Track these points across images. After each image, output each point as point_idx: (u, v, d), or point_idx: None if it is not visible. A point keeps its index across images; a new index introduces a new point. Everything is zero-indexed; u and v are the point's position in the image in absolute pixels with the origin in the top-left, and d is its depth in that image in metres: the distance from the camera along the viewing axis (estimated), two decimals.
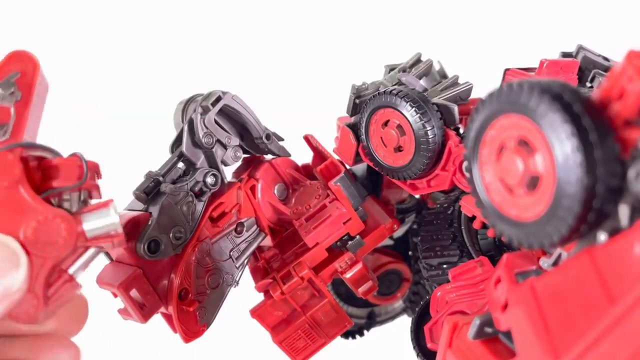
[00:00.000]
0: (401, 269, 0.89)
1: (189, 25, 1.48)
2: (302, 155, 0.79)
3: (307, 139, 0.76)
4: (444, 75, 0.88)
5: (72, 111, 1.32)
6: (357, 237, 0.70)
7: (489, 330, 0.46)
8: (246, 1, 1.49)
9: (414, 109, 0.60)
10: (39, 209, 0.41)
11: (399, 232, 0.88)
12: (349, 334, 0.92)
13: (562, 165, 0.34)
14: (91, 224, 0.44)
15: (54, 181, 0.44)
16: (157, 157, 0.68)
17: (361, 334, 0.93)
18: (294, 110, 1.23)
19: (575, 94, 0.34)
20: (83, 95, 1.39)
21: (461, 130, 0.90)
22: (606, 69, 0.77)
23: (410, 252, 0.87)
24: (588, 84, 0.74)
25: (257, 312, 0.70)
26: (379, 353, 0.88)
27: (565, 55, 0.81)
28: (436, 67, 0.89)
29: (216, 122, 0.67)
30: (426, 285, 0.72)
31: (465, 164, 0.42)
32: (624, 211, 0.35)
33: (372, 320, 0.95)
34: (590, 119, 0.33)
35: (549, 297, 0.38)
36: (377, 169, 0.68)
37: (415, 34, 1.32)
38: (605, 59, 0.79)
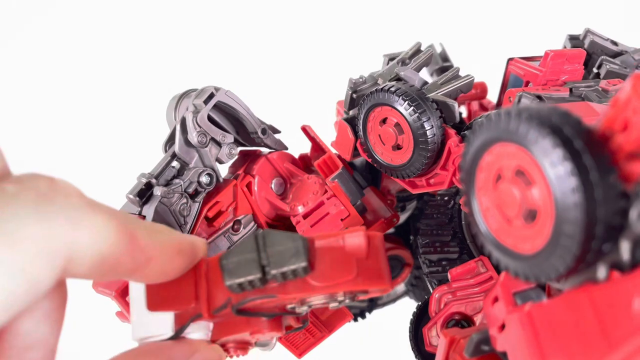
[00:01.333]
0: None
1: (183, 16, 1.44)
2: (301, 146, 0.78)
3: (305, 130, 0.75)
4: (445, 59, 0.86)
5: (64, 110, 1.31)
6: None
7: (485, 348, 0.45)
8: None
9: (412, 107, 0.58)
10: None
11: (401, 218, 0.87)
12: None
13: (561, 202, 0.32)
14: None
15: None
16: (151, 154, 0.67)
17: (363, 317, 0.93)
18: (292, 100, 1.20)
19: (576, 127, 0.32)
20: (76, 93, 1.37)
21: (464, 113, 0.88)
22: (614, 54, 0.75)
23: (411, 237, 0.86)
24: (595, 70, 0.72)
25: None
26: (379, 353, 0.89)
27: (573, 38, 0.78)
28: (438, 49, 0.86)
29: (210, 117, 0.65)
30: (426, 281, 0.71)
31: (462, 186, 0.40)
32: (625, 246, 0.33)
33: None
34: (591, 156, 0.31)
35: (547, 329, 0.37)
36: (375, 165, 0.66)
37: (417, 20, 1.28)
38: (614, 42, 0.76)
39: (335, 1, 1.42)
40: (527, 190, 0.35)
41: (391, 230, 0.87)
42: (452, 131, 0.60)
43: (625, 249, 0.33)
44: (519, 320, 0.40)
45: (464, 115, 0.87)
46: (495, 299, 0.44)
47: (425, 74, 0.85)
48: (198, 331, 0.46)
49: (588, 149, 0.32)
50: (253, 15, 1.44)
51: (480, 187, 0.39)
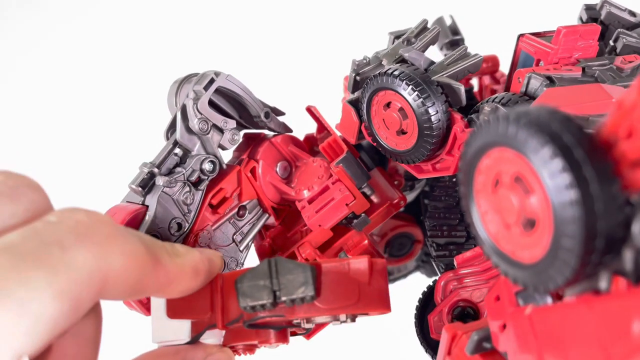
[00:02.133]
0: (413, 231, 0.88)
1: (185, 7, 1.41)
2: (308, 126, 0.77)
3: (310, 111, 0.73)
4: (455, 32, 0.83)
5: (66, 101, 1.30)
6: (363, 214, 0.69)
7: (487, 345, 0.44)
8: None
9: (416, 92, 0.57)
10: None
11: (410, 198, 0.86)
12: None
13: (559, 215, 0.31)
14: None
15: None
16: (154, 142, 0.66)
17: None
18: (298, 78, 1.18)
19: (576, 134, 0.31)
20: (78, 84, 1.36)
21: (475, 87, 0.85)
22: (632, 26, 0.71)
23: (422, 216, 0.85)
24: (611, 43, 0.69)
25: None
26: (384, 344, 0.89)
27: (589, 8, 0.75)
28: (447, 22, 0.84)
29: (213, 102, 0.64)
30: (433, 265, 0.71)
31: (460, 188, 0.39)
32: (628, 256, 0.32)
33: None
34: (592, 167, 0.30)
35: (548, 336, 0.36)
36: (380, 150, 0.65)
37: None
38: (632, 13, 0.73)
39: None
40: (525, 198, 0.34)
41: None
42: (458, 116, 0.58)
43: (628, 259, 0.32)
44: (521, 323, 0.39)
45: (475, 89, 0.84)
46: (497, 298, 0.43)
47: (435, 48, 0.83)
48: (212, 337, 0.52)
49: (589, 159, 0.30)
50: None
51: (478, 190, 0.38)
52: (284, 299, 0.46)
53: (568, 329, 0.34)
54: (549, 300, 0.42)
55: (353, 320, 0.49)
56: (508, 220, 0.35)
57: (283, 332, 0.52)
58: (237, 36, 1.35)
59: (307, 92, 0.80)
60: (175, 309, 0.51)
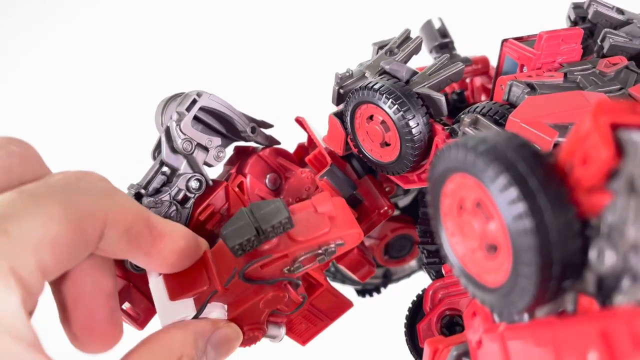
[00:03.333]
0: (412, 233, 0.88)
1: (177, 11, 1.42)
2: (300, 135, 0.77)
3: (299, 121, 0.73)
4: (444, 34, 0.83)
5: (59, 114, 1.31)
6: None
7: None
8: None
9: (396, 106, 0.57)
10: None
11: (405, 201, 0.86)
12: (365, 293, 0.93)
13: (516, 243, 0.31)
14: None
15: None
16: (146, 157, 0.67)
17: (378, 292, 0.94)
18: (290, 88, 1.18)
19: (531, 162, 0.31)
20: (71, 97, 1.37)
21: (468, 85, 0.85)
22: (620, 24, 0.71)
23: None
24: (599, 42, 0.68)
25: None
26: (376, 349, 0.89)
27: (577, 7, 0.74)
28: (436, 25, 0.83)
29: (199, 119, 0.64)
30: (425, 271, 0.71)
31: (429, 210, 0.39)
32: (590, 279, 0.32)
33: (387, 279, 0.96)
34: (546, 196, 0.30)
35: (518, 354, 0.37)
36: (366, 161, 0.65)
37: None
38: (620, 11, 0.72)
39: None
40: (486, 223, 0.34)
41: (396, 213, 0.87)
42: (439, 127, 0.58)
43: (590, 283, 0.32)
44: (494, 341, 0.39)
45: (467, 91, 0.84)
46: (474, 314, 0.44)
47: (424, 52, 0.83)
48: (216, 311, 0.54)
49: (543, 188, 0.30)
50: (248, 4, 1.41)
51: (445, 213, 0.38)
52: (265, 227, 0.50)
53: (534, 350, 0.35)
54: (526, 317, 0.42)
55: (333, 253, 0.54)
56: (472, 245, 0.36)
57: (278, 285, 0.55)
58: (231, 45, 1.36)
59: (301, 100, 0.80)
60: (175, 291, 0.54)
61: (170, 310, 0.54)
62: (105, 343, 0.49)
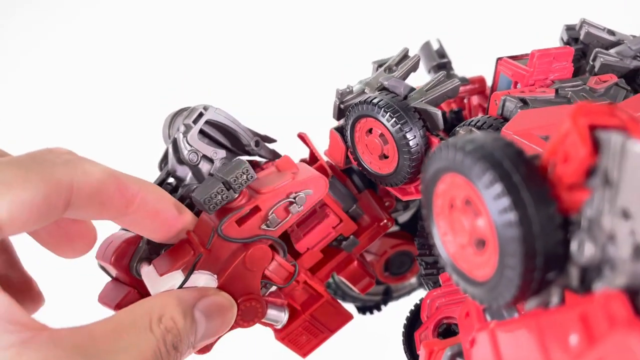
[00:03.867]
0: (412, 249, 0.89)
1: (185, 24, 1.46)
2: (303, 149, 0.79)
3: (302, 137, 0.76)
4: (442, 55, 0.86)
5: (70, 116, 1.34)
6: (351, 236, 0.71)
7: None
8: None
9: (393, 119, 0.59)
10: None
11: (405, 217, 0.88)
12: (366, 310, 0.94)
13: (502, 235, 0.33)
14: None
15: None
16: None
17: (379, 309, 0.95)
18: (294, 103, 1.21)
19: (515, 160, 0.33)
20: (76, 103, 1.40)
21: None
22: (610, 45, 0.73)
23: None
24: (590, 62, 0.71)
25: None
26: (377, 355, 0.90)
27: (569, 28, 0.77)
28: (435, 46, 0.86)
29: (204, 132, 0.67)
30: (423, 283, 0.72)
31: (423, 211, 0.41)
32: (573, 272, 0.34)
33: (388, 296, 0.96)
34: (529, 191, 0.32)
35: (509, 349, 0.38)
36: (366, 174, 0.67)
37: (415, 16, 1.26)
38: (611, 32, 0.75)
39: (335, 9, 1.42)
40: (475, 220, 0.36)
41: (396, 229, 0.88)
42: (435, 140, 0.60)
43: (574, 276, 0.34)
44: (485, 338, 0.41)
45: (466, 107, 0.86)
46: (467, 314, 0.45)
47: (423, 72, 0.85)
48: (203, 278, 0.57)
49: (526, 183, 0.32)
50: (254, 18, 1.45)
51: (437, 213, 0.40)
52: (228, 178, 0.55)
53: (522, 343, 0.36)
54: (516, 314, 0.44)
55: (301, 205, 0.59)
56: (462, 241, 0.38)
57: (260, 241, 0.59)
58: (237, 63, 1.39)
59: (304, 116, 0.83)
60: (162, 266, 0.57)
61: (160, 286, 0.57)
62: (75, 250, 0.55)
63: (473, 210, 0.36)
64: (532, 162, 0.34)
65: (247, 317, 0.60)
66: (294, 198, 0.58)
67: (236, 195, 0.57)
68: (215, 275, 0.58)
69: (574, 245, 0.32)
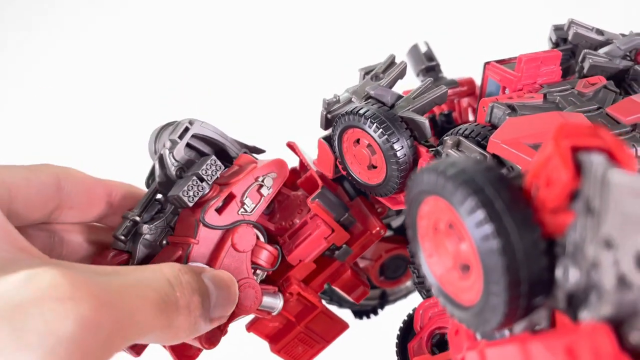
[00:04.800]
0: (407, 253, 0.89)
1: (172, 39, 1.46)
2: (291, 161, 0.79)
3: (291, 146, 0.75)
4: (430, 58, 0.85)
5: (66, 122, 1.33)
6: (344, 246, 0.71)
7: None
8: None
9: (380, 130, 0.58)
10: None
11: (398, 221, 0.88)
12: (362, 314, 0.94)
13: (485, 262, 0.32)
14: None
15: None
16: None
17: (375, 313, 0.94)
18: (279, 115, 1.20)
19: (498, 186, 0.32)
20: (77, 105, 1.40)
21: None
22: (599, 45, 0.73)
23: None
24: (579, 63, 0.70)
25: (254, 326, 0.72)
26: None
27: (557, 29, 0.76)
28: (422, 49, 0.85)
29: (191, 145, 0.66)
30: (417, 290, 0.72)
31: (408, 231, 0.41)
32: (560, 295, 0.34)
33: (384, 300, 0.96)
34: (512, 217, 0.31)
35: None
36: (355, 184, 0.66)
37: (404, 18, 1.25)
38: (599, 32, 0.74)
39: (330, 5, 1.41)
40: (459, 244, 0.35)
41: (390, 233, 0.88)
42: (423, 149, 0.59)
43: (560, 300, 0.34)
44: (473, 357, 0.40)
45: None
46: (457, 332, 0.45)
47: (411, 75, 0.85)
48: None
49: (509, 209, 0.32)
50: (240, 30, 1.44)
51: (422, 234, 0.39)
52: (198, 171, 0.60)
53: None
54: (507, 333, 0.43)
55: (270, 182, 0.65)
56: (447, 264, 0.37)
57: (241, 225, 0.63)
58: (222, 72, 1.39)
59: (293, 125, 0.82)
60: None
61: None
62: None
63: (457, 234, 0.35)
64: (514, 187, 0.33)
65: (246, 302, 0.62)
66: (262, 181, 0.64)
67: (208, 189, 0.61)
68: (207, 267, 0.60)
69: (559, 271, 0.32)
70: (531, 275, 0.32)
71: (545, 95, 0.61)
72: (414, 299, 0.95)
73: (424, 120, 0.59)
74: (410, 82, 0.74)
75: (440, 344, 0.61)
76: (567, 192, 0.31)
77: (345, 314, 0.87)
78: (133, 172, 0.73)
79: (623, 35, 0.74)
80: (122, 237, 0.62)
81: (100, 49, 1.53)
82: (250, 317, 0.72)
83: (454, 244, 0.35)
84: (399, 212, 0.85)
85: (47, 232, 0.60)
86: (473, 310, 0.35)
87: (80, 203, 0.60)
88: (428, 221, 0.38)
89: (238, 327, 0.72)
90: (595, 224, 0.29)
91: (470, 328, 0.36)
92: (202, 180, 0.61)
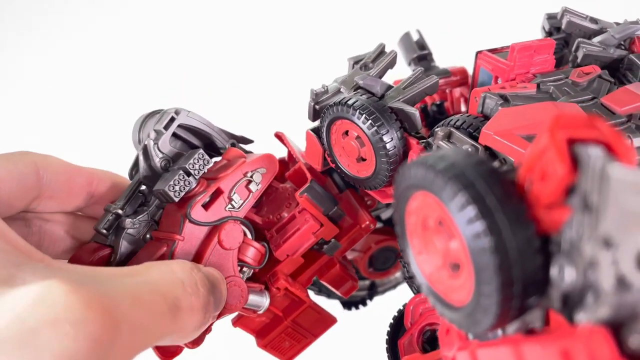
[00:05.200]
0: (396, 244, 0.88)
1: (160, 32, 1.43)
2: (279, 152, 0.77)
3: (279, 137, 0.73)
4: (422, 46, 0.83)
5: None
6: (333, 240, 0.69)
7: None
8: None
9: (369, 121, 0.57)
10: None
11: (388, 213, 0.86)
12: (351, 305, 0.93)
13: (476, 261, 0.31)
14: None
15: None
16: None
17: (364, 304, 0.93)
18: (274, 102, 1.18)
19: (489, 180, 0.31)
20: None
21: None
22: (593, 33, 0.71)
23: None
24: (573, 52, 0.68)
25: (240, 320, 0.70)
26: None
27: (551, 17, 0.75)
28: (414, 37, 0.83)
29: (178, 136, 0.64)
30: (407, 285, 0.70)
31: (396, 228, 0.39)
32: (554, 295, 0.32)
33: (373, 291, 0.95)
34: (504, 213, 0.30)
35: None
36: (344, 177, 0.65)
37: (396, 6, 1.23)
38: (593, 20, 0.72)
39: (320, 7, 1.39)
40: (448, 242, 0.34)
41: (379, 225, 0.86)
42: (413, 141, 0.58)
43: (555, 299, 0.32)
44: (464, 358, 0.39)
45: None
46: (448, 331, 0.43)
47: (403, 64, 0.83)
48: None
49: (501, 205, 0.30)
50: (227, 20, 1.42)
51: (411, 231, 0.38)
52: (187, 165, 0.58)
53: None
54: (499, 333, 0.42)
55: (259, 178, 0.63)
56: (437, 263, 0.35)
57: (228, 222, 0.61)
58: (209, 61, 1.36)
59: (281, 115, 0.80)
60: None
61: None
62: None
63: (446, 231, 0.34)
64: (506, 181, 0.31)
65: (232, 300, 0.61)
66: (251, 176, 0.61)
67: (195, 183, 0.59)
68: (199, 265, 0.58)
69: (554, 270, 0.30)
70: (525, 275, 0.30)
71: (538, 85, 0.59)
72: (404, 291, 0.94)
73: (414, 112, 0.58)
74: (400, 72, 0.72)
75: (431, 340, 0.59)
76: (563, 186, 0.30)
77: (334, 305, 0.86)
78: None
79: (617, 24, 0.72)
80: (104, 231, 0.60)
81: (97, 49, 1.51)
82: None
83: (444, 241, 0.34)
84: (388, 205, 0.84)
85: (23, 221, 0.58)
86: (464, 311, 0.34)
87: (61, 192, 0.59)
88: (417, 217, 0.37)
89: (223, 321, 0.71)
90: (593, 221, 0.27)
91: (462, 329, 0.35)
92: (189, 174, 0.59)
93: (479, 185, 0.31)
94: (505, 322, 0.32)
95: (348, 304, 0.93)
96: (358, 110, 0.57)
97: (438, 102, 0.81)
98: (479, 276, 0.31)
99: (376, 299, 0.94)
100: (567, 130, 0.30)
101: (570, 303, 0.32)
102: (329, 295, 0.88)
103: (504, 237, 0.30)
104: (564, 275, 0.30)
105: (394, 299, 0.86)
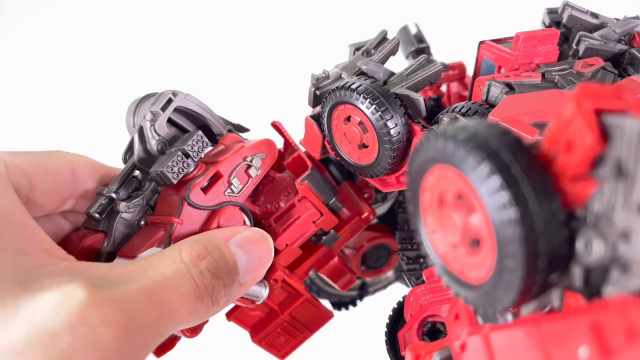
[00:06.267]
0: (389, 242, 0.87)
1: (158, 22, 1.42)
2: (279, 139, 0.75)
3: (275, 126, 0.72)
4: (420, 40, 0.82)
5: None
6: (332, 231, 0.68)
7: None
8: None
9: (373, 106, 0.55)
10: None
11: (382, 210, 0.85)
12: (342, 305, 0.91)
13: (500, 234, 0.30)
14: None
15: None
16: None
17: (354, 305, 0.92)
18: (270, 92, 1.17)
19: (514, 150, 0.30)
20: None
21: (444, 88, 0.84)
22: (594, 28, 0.71)
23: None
24: (574, 46, 0.68)
25: (234, 315, 0.69)
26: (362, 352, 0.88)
27: (551, 12, 0.74)
28: (412, 30, 0.83)
29: (173, 121, 0.63)
30: (405, 279, 0.69)
31: (408, 206, 0.38)
32: (576, 272, 0.31)
33: (364, 291, 0.94)
34: (530, 184, 0.29)
35: (503, 355, 0.35)
36: (344, 165, 0.63)
37: (391, 4, 1.23)
38: (594, 15, 0.72)
39: None
40: (468, 217, 0.32)
41: (374, 221, 0.85)
42: (417, 127, 0.57)
43: (577, 276, 0.31)
44: (478, 343, 0.38)
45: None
46: (457, 316, 0.42)
47: (400, 57, 0.82)
48: None
49: (527, 175, 0.29)
50: (226, 9, 1.40)
51: (425, 208, 0.36)
52: (186, 147, 0.57)
53: (520, 350, 0.33)
54: (510, 317, 0.41)
55: (259, 162, 0.61)
56: (454, 240, 0.34)
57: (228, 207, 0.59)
58: (207, 48, 1.35)
59: (278, 104, 0.79)
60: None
61: None
62: None
63: (466, 206, 0.32)
64: (531, 152, 0.30)
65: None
66: (251, 161, 0.60)
67: (193, 167, 0.57)
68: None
69: (580, 244, 0.29)
70: (550, 248, 0.29)
71: (543, 75, 0.58)
72: (394, 289, 0.92)
73: (419, 97, 0.57)
74: (397, 66, 0.71)
75: (431, 332, 0.58)
76: (590, 157, 0.29)
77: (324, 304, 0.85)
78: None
79: (617, 19, 0.72)
80: (97, 216, 0.58)
81: (95, 49, 1.49)
82: (231, 305, 0.69)
83: (463, 216, 0.33)
84: (384, 200, 0.83)
85: (54, 223, 0.58)
86: (482, 289, 0.32)
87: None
88: (432, 194, 0.35)
89: (217, 315, 0.69)
90: (628, 187, 0.26)
91: (477, 308, 0.34)
92: (187, 156, 0.57)
93: (503, 154, 0.29)
94: (526, 299, 0.31)
95: (338, 305, 0.91)
96: (362, 95, 0.56)
97: (435, 97, 0.81)
98: (502, 250, 0.30)
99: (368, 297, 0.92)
100: (594, 100, 0.29)
101: (592, 280, 0.30)
102: (319, 293, 0.86)
103: (530, 208, 0.29)
104: (592, 248, 0.29)
105: (390, 294, 0.85)
